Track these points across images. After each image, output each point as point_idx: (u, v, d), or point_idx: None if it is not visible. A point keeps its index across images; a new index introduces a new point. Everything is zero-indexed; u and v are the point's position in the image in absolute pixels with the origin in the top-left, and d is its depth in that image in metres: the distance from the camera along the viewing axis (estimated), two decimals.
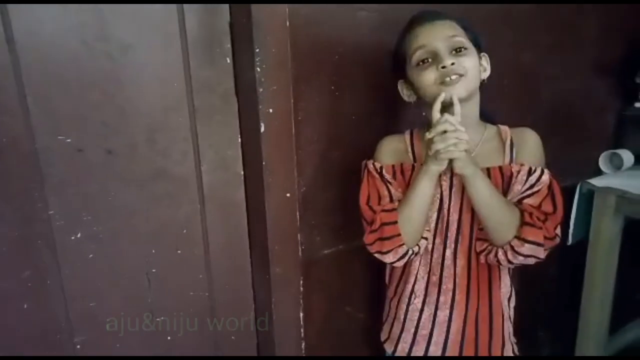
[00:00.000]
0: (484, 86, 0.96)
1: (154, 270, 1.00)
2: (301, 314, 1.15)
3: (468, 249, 0.99)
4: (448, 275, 1.00)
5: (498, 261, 0.94)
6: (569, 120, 1.62)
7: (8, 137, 0.81)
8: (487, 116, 1.02)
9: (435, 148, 0.85)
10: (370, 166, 1.00)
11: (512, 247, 0.91)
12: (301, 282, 1.14)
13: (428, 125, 0.94)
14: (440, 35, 0.89)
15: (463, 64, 0.88)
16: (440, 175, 0.94)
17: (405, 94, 0.99)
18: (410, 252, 0.96)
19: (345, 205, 1.14)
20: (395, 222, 0.93)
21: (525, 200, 0.94)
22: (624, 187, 1.52)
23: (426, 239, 0.98)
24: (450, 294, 1.01)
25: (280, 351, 1.14)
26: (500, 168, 0.96)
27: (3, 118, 0.80)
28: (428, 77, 0.90)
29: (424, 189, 0.91)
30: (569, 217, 1.61)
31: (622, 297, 1.70)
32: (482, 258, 0.98)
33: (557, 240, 0.95)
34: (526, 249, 0.90)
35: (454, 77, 0.87)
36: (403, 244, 0.94)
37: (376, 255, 0.97)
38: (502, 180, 0.96)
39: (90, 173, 0.90)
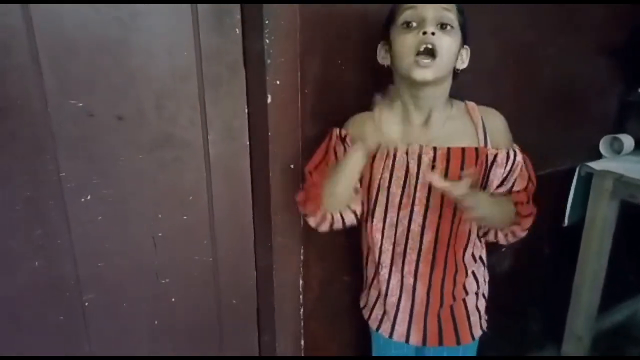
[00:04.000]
0: (457, 76, 0.98)
1: (160, 234, 1.03)
2: (301, 282, 1.19)
3: (437, 224, 1.00)
4: (412, 247, 1.02)
5: (497, 240, 1.04)
6: (572, 103, 1.63)
7: (21, 99, 0.83)
8: (452, 90, 1.01)
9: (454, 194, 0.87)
10: (335, 132, 1.02)
11: (512, 233, 1.01)
12: (302, 251, 1.17)
13: (386, 93, 0.98)
14: (434, 6, 0.89)
15: (442, 41, 0.89)
16: (407, 153, 0.97)
17: (381, 55, 0.99)
18: (329, 217, 1.00)
19: None
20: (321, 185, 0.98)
21: (515, 188, 1.00)
22: (622, 170, 1.54)
23: (356, 215, 1.02)
24: (414, 264, 1.03)
25: (279, 317, 1.18)
26: (476, 150, 0.97)
27: (16, 79, 0.82)
28: (407, 42, 0.90)
29: (352, 168, 0.95)
30: (566, 199, 1.64)
31: (613, 278, 1.74)
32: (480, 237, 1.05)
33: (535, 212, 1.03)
34: (523, 234, 1.02)
35: (426, 60, 0.88)
36: (321, 207, 0.99)
37: (305, 217, 1.05)
38: (476, 160, 0.96)
39: (100, 137, 0.92)
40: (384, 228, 1.03)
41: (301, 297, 1.21)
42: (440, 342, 1.06)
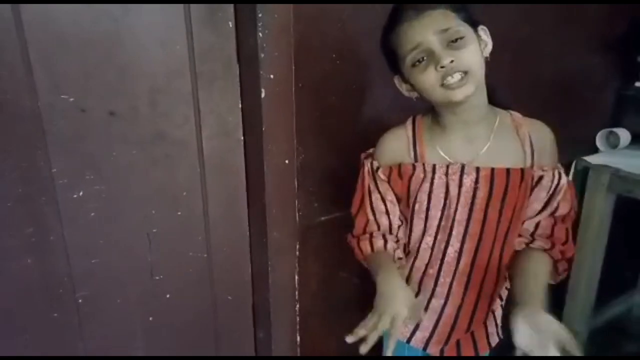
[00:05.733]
0: (487, 62, 0.89)
1: (154, 230, 1.02)
2: (296, 278, 1.18)
3: (475, 248, 0.94)
4: (447, 270, 0.97)
5: None
6: (569, 97, 1.62)
7: (11, 94, 0.82)
8: (496, 98, 0.93)
9: None
10: (367, 166, 0.97)
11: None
12: (297, 247, 1.16)
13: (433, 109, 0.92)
14: (431, 30, 0.79)
15: (463, 58, 0.79)
16: (447, 174, 0.90)
17: (404, 89, 0.91)
18: None
19: (344, 174, 1.15)
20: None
21: (559, 211, 0.93)
22: (619, 165, 1.54)
23: (400, 259, 0.99)
24: (447, 286, 0.98)
25: (274, 313, 1.18)
26: (522, 171, 0.89)
27: (6, 75, 0.81)
28: (428, 79, 0.81)
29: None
30: None
31: (609, 273, 1.74)
32: None
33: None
34: (558, 279, 0.96)
35: (455, 75, 0.80)
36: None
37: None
38: (521, 182, 0.90)
39: (92, 133, 0.91)
40: (418, 251, 0.98)
41: (297, 293, 1.20)
42: (459, 353, 1.03)
